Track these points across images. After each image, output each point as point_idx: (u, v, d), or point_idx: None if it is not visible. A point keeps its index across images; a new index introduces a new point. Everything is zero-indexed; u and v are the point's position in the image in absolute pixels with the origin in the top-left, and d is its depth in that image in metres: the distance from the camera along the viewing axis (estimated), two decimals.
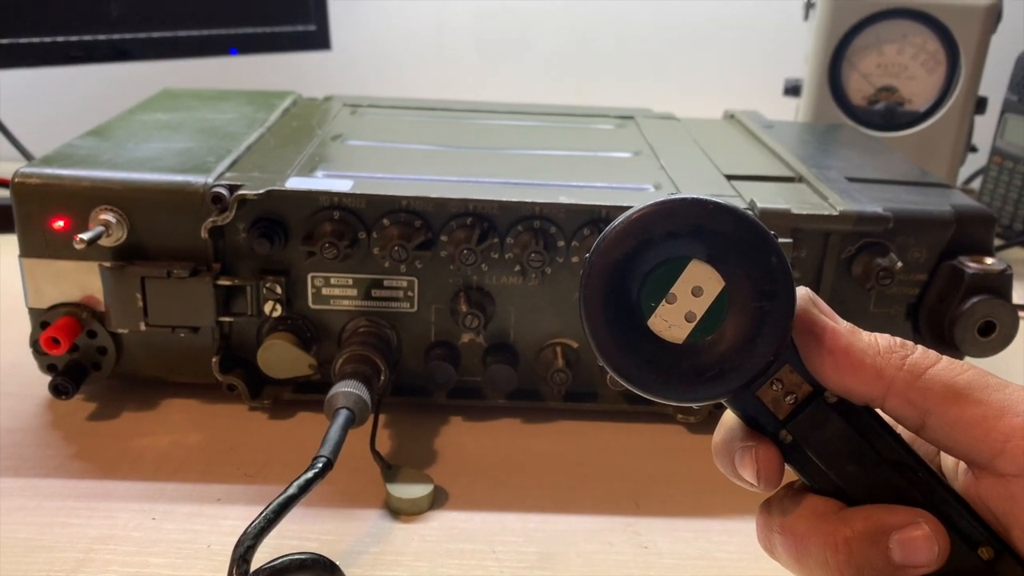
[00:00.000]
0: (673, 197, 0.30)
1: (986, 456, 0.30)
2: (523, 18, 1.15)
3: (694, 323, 0.30)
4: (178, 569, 0.42)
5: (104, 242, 0.51)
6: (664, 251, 0.30)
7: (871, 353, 0.31)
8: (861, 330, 0.32)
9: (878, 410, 0.32)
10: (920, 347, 0.31)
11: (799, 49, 0.92)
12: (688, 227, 0.30)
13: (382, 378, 0.51)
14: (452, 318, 0.54)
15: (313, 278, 0.54)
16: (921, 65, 0.88)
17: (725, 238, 0.29)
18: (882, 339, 0.31)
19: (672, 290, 0.30)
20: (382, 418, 0.55)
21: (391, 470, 0.49)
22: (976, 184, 1.05)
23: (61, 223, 0.52)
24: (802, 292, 0.31)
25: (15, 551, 0.43)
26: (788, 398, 0.32)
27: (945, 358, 0.31)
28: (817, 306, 0.32)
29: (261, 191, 0.51)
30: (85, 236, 0.49)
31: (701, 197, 0.29)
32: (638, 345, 0.30)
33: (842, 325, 0.31)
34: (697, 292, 0.30)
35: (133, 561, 0.42)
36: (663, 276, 0.30)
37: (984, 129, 0.96)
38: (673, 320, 0.30)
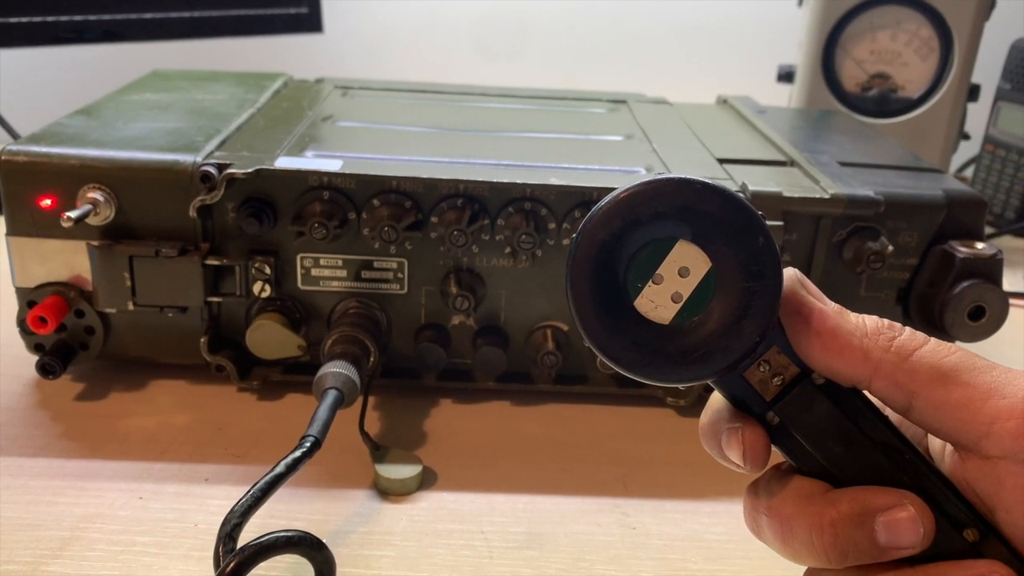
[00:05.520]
0: (659, 177, 0.29)
1: (972, 438, 0.30)
2: (518, 3, 1.15)
3: (680, 304, 0.30)
4: (165, 548, 0.42)
5: (92, 221, 0.51)
6: (650, 231, 0.30)
7: (858, 335, 0.30)
8: (848, 311, 0.31)
9: (865, 392, 0.32)
10: (908, 329, 0.31)
11: (793, 35, 0.92)
12: (674, 207, 0.29)
13: (371, 359, 0.51)
14: (442, 300, 0.54)
15: (302, 259, 0.53)
16: (914, 52, 0.87)
17: (712, 218, 0.29)
18: (869, 320, 0.31)
19: (659, 271, 0.30)
20: (371, 400, 0.55)
21: (380, 451, 0.49)
22: (969, 172, 1.05)
23: (48, 201, 0.51)
24: (790, 273, 0.31)
25: (1, 530, 0.43)
26: (775, 379, 0.31)
27: (932, 340, 0.31)
28: (805, 287, 0.31)
29: (250, 170, 0.51)
30: (72, 214, 0.48)
31: (688, 177, 0.29)
32: (625, 326, 0.30)
33: (830, 306, 0.31)
34: (684, 273, 0.30)
35: (120, 540, 0.42)
36: (649, 257, 0.30)
37: (977, 117, 0.95)
38: (659, 301, 0.30)
